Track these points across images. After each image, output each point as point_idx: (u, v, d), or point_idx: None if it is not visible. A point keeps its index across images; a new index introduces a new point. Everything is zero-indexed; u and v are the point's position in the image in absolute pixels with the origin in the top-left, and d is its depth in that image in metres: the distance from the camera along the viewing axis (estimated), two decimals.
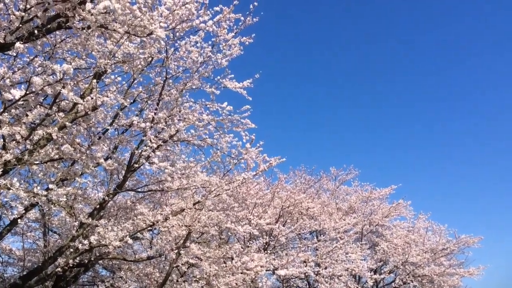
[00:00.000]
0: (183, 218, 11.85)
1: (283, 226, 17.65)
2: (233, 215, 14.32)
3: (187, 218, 11.86)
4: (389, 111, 65.47)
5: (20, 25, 6.06)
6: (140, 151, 9.58)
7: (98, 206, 9.79)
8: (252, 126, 10.44)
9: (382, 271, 22.53)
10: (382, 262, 22.63)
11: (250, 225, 14.35)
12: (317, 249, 18.96)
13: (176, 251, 11.55)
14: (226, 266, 12.95)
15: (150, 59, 8.90)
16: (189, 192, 11.90)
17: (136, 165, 9.82)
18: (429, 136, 66.87)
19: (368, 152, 59.78)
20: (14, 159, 6.17)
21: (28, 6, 6.12)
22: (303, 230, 19.14)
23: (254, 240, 16.57)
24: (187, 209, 11.28)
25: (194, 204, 11.35)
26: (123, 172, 10.24)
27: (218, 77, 10.00)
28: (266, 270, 14.96)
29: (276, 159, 11.77)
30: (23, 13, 6.11)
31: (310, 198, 19.69)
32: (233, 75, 9.98)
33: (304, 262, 17.40)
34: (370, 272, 20.46)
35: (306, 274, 17.89)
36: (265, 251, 16.12)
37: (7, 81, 6.94)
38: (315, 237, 20.97)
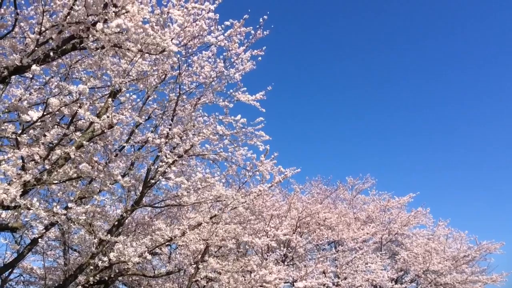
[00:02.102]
0: (201, 232, 11.86)
1: (300, 237, 17.54)
2: (250, 228, 14.28)
3: (204, 232, 11.87)
4: (404, 118, 64.90)
5: (36, 48, 6.20)
6: (156, 166, 9.66)
7: (116, 223, 9.87)
8: (267, 137, 10.48)
9: (403, 281, 22.16)
10: (402, 272, 22.28)
11: (267, 237, 14.30)
12: (336, 260, 18.78)
13: (195, 265, 11.56)
14: (245, 280, 12.90)
15: (163, 75, 9.02)
16: (205, 206, 11.93)
17: (153, 181, 9.89)
18: (445, 142, 66.12)
19: (384, 160, 59.27)
20: (33, 179, 6.26)
21: (43, 29, 6.27)
22: (321, 241, 18.99)
23: (272, 252, 16.49)
24: (204, 223, 11.29)
25: (211, 218, 11.37)
26: (140, 188, 10.33)
27: (231, 91, 10.08)
28: (285, 283, 14.86)
29: (291, 170, 11.76)
30: (38, 36, 6.25)
31: (327, 209, 19.56)
32: (245, 88, 10.07)
33: (323, 273, 17.24)
34: (391, 282, 20.14)
35: (325, 285, 17.69)
36: (284, 263, 16.01)
37: (25, 102, 7.11)
38: (333, 248, 20.76)
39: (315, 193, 22.00)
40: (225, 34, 9.03)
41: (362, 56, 68.13)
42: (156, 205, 11.47)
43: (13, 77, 7.18)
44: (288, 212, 17.21)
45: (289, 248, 16.85)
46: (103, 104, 7.81)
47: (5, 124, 6.84)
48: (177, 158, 9.67)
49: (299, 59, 66.76)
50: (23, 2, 6.82)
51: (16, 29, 6.72)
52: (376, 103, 66.11)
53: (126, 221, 10.98)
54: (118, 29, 5.95)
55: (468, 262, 22.87)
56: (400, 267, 21.62)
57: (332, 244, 21.13)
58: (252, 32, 9.40)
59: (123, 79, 7.22)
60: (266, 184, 11.95)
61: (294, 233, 17.08)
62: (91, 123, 7.09)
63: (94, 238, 9.52)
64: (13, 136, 6.50)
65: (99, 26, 5.80)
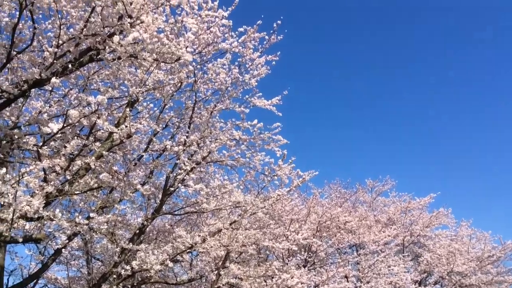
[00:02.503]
0: (221, 238, 11.87)
1: (321, 241, 17.42)
2: (270, 233, 14.25)
3: (224, 238, 11.89)
4: (420, 117, 63.95)
5: (54, 61, 6.31)
6: (174, 174, 9.73)
7: (137, 231, 9.96)
8: (284, 141, 10.48)
9: (427, 283, 21.81)
10: (426, 274, 21.94)
11: (287, 241, 14.24)
12: (358, 264, 18.59)
13: (216, 272, 11.57)
14: (266, 285, 12.85)
15: (179, 84, 9.09)
16: (225, 212, 11.96)
17: (172, 189, 9.96)
18: (464, 141, 64.97)
19: (403, 161, 58.41)
20: (55, 191, 6.36)
21: (60, 42, 6.39)
22: (342, 245, 18.83)
23: (293, 257, 16.42)
24: (224, 229, 11.31)
25: (230, 224, 11.38)
26: (160, 196, 10.42)
27: (247, 96, 10.11)
28: (307, 287, 14.74)
29: (309, 174, 11.70)
30: (56, 49, 6.37)
31: (347, 212, 19.40)
32: (261, 94, 10.09)
33: (345, 277, 17.07)
34: (415, 284, 19.85)
35: None
36: (305, 268, 15.92)
37: (45, 115, 7.24)
38: (355, 251, 20.58)
39: (335, 197, 21.86)
40: (239, 40, 9.08)
41: (378, 62, 67.42)
42: (176, 212, 11.54)
43: (32, 90, 7.32)
44: (307, 216, 17.13)
45: (310, 253, 16.76)
46: (121, 114, 7.91)
47: (27, 136, 6.98)
48: (195, 165, 9.72)
49: (315, 62, 66.45)
50: (40, 16, 6.98)
51: (34, 43, 6.86)
52: (392, 106, 65.34)
53: (147, 229, 11.07)
54: (134, 40, 6.03)
55: (493, 262, 22.39)
56: (423, 269, 21.29)
57: (353, 247, 20.93)
58: (266, 37, 9.43)
59: (140, 89, 7.30)
60: (284, 189, 11.91)
61: (314, 237, 16.98)
62: (110, 133, 7.19)
63: (116, 247, 9.62)
64: (35, 149, 6.62)
65: (116, 39, 5.89)
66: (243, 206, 11.16)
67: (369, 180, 24.83)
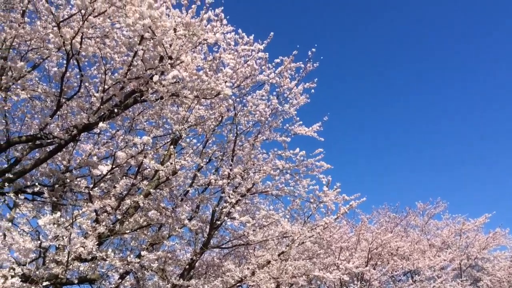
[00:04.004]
0: (270, 270, 11.71)
1: (374, 269, 16.86)
2: (320, 262, 13.95)
3: (274, 270, 11.72)
4: (468, 141, 61.61)
5: (101, 106, 6.59)
6: (220, 207, 9.78)
7: (187, 267, 10.00)
8: (328, 166, 10.37)
9: None
10: None
11: (338, 271, 13.87)
12: None
13: None
14: None
15: (220, 118, 9.26)
16: (272, 243, 11.84)
17: (218, 222, 10.00)
18: None
19: (453, 182, 56.09)
20: (107, 231, 6.53)
21: (106, 87, 6.68)
22: (396, 272, 18.14)
23: (345, 287, 15.94)
24: (273, 261, 11.17)
25: (279, 255, 11.24)
26: (207, 230, 10.46)
27: (287, 125, 10.14)
28: None
29: (356, 198, 11.48)
30: (102, 94, 6.66)
31: (398, 237, 18.76)
32: (301, 122, 10.09)
33: None
34: None
35: None
36: None
37: (94, 157, 7.51)
38: (409, 278, 19.76)
39: (384, 222, 21.22)
40: (276, 71, 9.20)
41: (424, 77, 65.98)
42: (224, 246, 11.53)
43: (82, 134, 7.64)
44: (357, 244, 16.68)
45: (363, 282, 16.22)
46: (166, 151, 8.10)
47: (78, 179, 7.25)
48: (240, 198, 9.74)
49: (357, 86, 65.80)
50: (86, 63, 7.35)
51: (82, 89, 7.21)
52: (438, 126, 63.37)
53: (197, 264, 11.09)
54: (174, 80, 6.23)
55: None
56: None
57: (408, 274, 20.12)
58: (302, 66, 9.51)
59: (182, 126, 7.48)
60: (331, 216, 11.71)
61: (366, 265, 16.47)
62: (156, 171, 7.36)
63: (168, 284, 9.66)
64: (86, 191, 6.85)
65: (156, 78, 6.10)
66: (291, 236, 11.02)
67: (420, 203, 24.03)
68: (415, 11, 62.80)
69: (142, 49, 6.26)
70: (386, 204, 23.40)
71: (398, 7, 63.36)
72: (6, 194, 6.33)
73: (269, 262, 11.14)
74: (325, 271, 13.47)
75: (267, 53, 8.48)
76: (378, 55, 66.49)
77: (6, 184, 6.45)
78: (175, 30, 6.30)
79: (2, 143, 6.91)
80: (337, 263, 14.92)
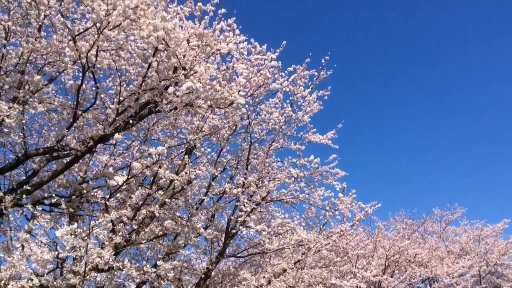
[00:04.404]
0: (286, 279, 11.66)
1: (391, 277, 16.65)
2: (336, 270, 13.84)
3: (290, 278, 11.66)
4: (486, 144, 60.62)
5: (116, 118, 6.67)
6: (235, 216, 9.78)
7: (203, 276, 10.00)
8: (343, 174, 10.31)
9: None
10: None
11: (355, 279, 13.74)
12: None
13: None
14: None
15: (234, 127, 9.28)
16: (288, 252, 11.79)
17: (234, 231, 9.99)
18: None
19: (471, 187, 55.17)
20: (123, 241, 6.58)
21: (121, 98, 6.76)
22: (414, 279, 17.89)
23: None
24: (289, 269, 11.12)
25: (295, 263, 11.19)
26: (223, 239, 10.46)
27: (301, 133, 10.11)
28: None
29: (371, 206, 11.39)
30: (118, 105, 6.74)
31: (415, 244, 18.52)
32: (315, 129, 10.06)
33: None
34: None
35: None
36: None
37: (110, 168, 7.59)
38: (428, 286, 19.49)
39: (401, 228, 21.00)
40: (289, 80, 9.20)
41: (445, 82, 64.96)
42: (239, 254, 11.51)
43: (98, 145, 7.74)
44: (374, 251, 16.50)
45: None
46: (180, 161, 8.14)
47: (94, 190, 7.33)
48: (255, 206, 9.73)
49: (367, 89, 65.33)
50: (101, 76, 7.46)
51: (97, 101, 7.31)
52: (454, 133, 62.45)
53: (213, 273, 11.09)
54: (188, 90, 6.28)
55: None
56: None
57: (426, 281, 19.85)
58: (316, 73, 9.49)
59: (197, 135, 7.52)
60: (347, 223, 11.64)
61: (384, 273, 16.28)
62: (171, 180, 7.41)
63: None
64: (103, 201, 6.92)
65: (170, 89, 6.17)
66: (306, 244, 10.96)
67: (437, 209, 23.78)
68: (430, 11, 62.40)
69: (156, 61, 6.34)
70: (402, 210, 23.22)
71: (415, 8, 63.03)
72: (24, 205, 6.43)
73: (285, 270, 11.09)
74: (342, 279, 13.35)
75: (280, 62, 8.48)
76: (392, 59, 66.16)
77: (24, 196, 6.55)
78: (188, 41, 6.37)
79: (20, 155, 7.04)
80: (354, 271, 14.77)
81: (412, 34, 64.76)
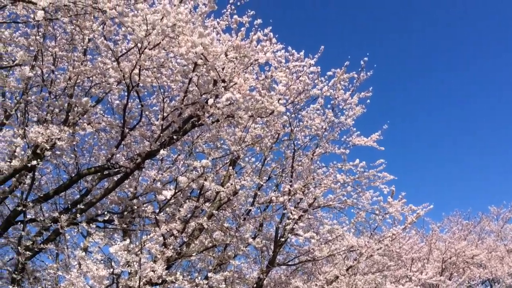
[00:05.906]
0: (339, 286, 11.47)
1: (449, 280, 16.05)
2: (391, 275, 13.49)
3: (342, 285, 11.46)
4: None
5: (161, 133, 6.83)
6: (283, 224, 9.74)
7: (255, 285, 10.01)
8: (391, 177, 10.04)
9: None
10: None
11: (411, 282, 13.35)
12: None
13: None
14: None
15: (277, 135, 9.27)
16: (339, 258, 11.60)
17: (283, 239, 9.95)
18: None
19: None
20: (174, 254, 6.70)
21: (165, 114, 6.93)
22: (473, 281, 17.18)
23: None
24: (341, 276, 10.94)
25: (347, 270, 11.00)
26: (272, 247, 10.44)
27: (345, 137, 9.96)
28: None
29: (423, 207, 11.03)
30: (162, 121, 6.91)
31: (473, 244, 17.79)
32: (359, 132, 9.89)
33: None
34: None
35: None
36: None
37: (158, 183, 7.77)
38: (488, 287, 18.64)
39: (456, 230, 20.21)
40: (329, 84, 9.10)
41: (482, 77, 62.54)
42: (290, 262, 11.44)
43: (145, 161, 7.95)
44: (429, 254, 15.98)
45: None
46: (225, 172, 8.22)
47: (145, 205, 7.53)
48: (303, 213, 9.66)
49: (412, 89, 63.49)
50: (145, 93, 7.68)
51: (143, 119, 7.52)
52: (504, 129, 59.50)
53: (265, 282, 11.07)
54: (229, 102, 6.35)
55: None
56: None
57: (486, 283, 18.99)
58: (356, 75, 9.35)
59: (240, 146, 7.58)
60: (399, 227, 11.32)
61: (441, 275, 15.71)
62: (218, 192, 7.49)
63: None
64: (153, 216, 7.09)
65: (211, 101, 6.26)
66: (358, 249, 10.76)
67: (493, 207, 22.71)
68: (478, 8, 60.20)
69: (196, 75, 6.46)
70: (457, 210, 22.34)
71: (459, 5, 61.04)
72: (80, 223, 6.69)
73: (337, 277, 10.93)
74: (397, 283, 13.00)
75: (319, 67, 8.43)
76: (437, 57, 64.17)
77: (79, 214, 6.82)
78: (226, 54, 6.46)
79: (73, 175, 7.34)
80: (409, 275, 14.36)
81: (459, 26, 62.64)
